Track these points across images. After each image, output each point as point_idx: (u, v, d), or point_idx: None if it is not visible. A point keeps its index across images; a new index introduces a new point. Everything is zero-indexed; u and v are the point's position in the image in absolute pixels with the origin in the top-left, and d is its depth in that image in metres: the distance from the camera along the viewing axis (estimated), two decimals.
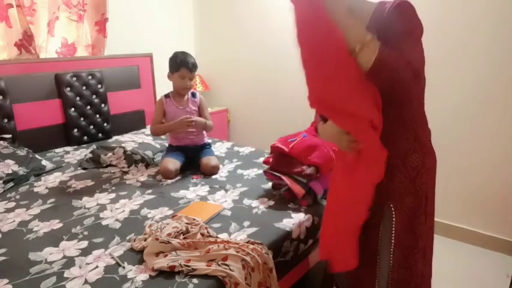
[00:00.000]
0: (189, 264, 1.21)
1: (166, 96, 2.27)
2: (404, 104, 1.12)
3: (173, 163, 2.12)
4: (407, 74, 1.00)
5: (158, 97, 2.94)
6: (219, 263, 1.21)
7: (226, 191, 1.89)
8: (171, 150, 2.26)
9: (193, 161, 2.23)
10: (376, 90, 1.05)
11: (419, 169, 1.13)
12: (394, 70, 0.98)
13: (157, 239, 1.29)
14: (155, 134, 2.31)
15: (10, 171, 1.99)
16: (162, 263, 1.21)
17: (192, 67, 2.15)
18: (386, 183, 1.14)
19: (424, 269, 1.24)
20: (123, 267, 1.24)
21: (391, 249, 1.18)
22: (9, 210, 1.70)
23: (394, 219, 1.15)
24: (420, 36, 1.08)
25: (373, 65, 0.95)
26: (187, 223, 1.44)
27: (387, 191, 1.15)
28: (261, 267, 1.26)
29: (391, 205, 1.15)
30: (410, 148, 1.13)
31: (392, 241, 1.17)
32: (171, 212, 1.66)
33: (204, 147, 2.31)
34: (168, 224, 1.43)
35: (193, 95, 2.30)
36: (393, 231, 1.16)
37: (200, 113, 2.31)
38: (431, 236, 1.25)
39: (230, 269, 1.18)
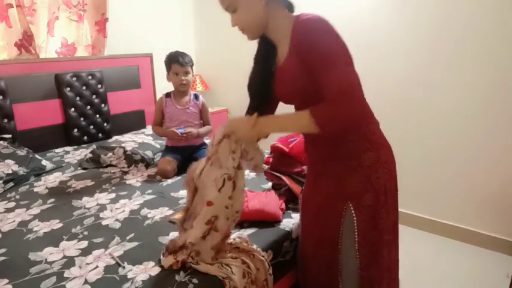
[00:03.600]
0: (196, 258, 1.20)
1: (167, 95, 2.27)
2: None
3: (170, 162, 2.13)
4: (354, 107, 1.03)
5: (158, 97, 2.94)
6: (223, 264, 1.21)
7: None
8: (167, 150, 2.26)
9: (190, 161, 2.23)
10: None
11: (373, 165, 1.15)
12: (343, 122, 1.04)
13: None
14: (155, 134, 2.36)
15: (10, 171, 1.99)
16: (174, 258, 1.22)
17: (182, 62, 2.15)
18: (345, 184, 1.18)
19: (390, 263, 1.26)
20: (123, 267, 1.24)
21: (356, 248, 1.19)
22: (9, 210, 1.70)
23: (355, 218, 1.17)
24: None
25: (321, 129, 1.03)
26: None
27: (346, 191, 1.18)
28: (260, 284, 1.26)
29: (350, 205, 1.17)
30: (362, 148, 1.15)
31: (356, 239, 1.19)
32: (171, 212, 1.66)
33: (201, 147, 2.31)
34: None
35: (196, 97, 2.30)
36: (356, 230, 1.18)
37: (201, 116, 2.31)
38: (396, 230, 1.27)
39: (232, 272, 1.18)
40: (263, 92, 1.27)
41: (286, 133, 1.03)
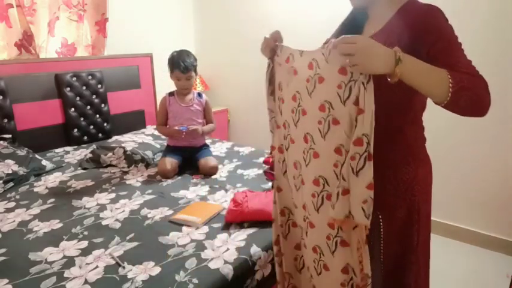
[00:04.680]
0: None
1: (171, 94, 2.28)
2: (404, 114, 1.07)
3: (170, 162, 2.13)
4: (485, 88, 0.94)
5: (158, 97, 2.95)
6: None
7: (226, 191, 1.89)
8: (169, 150, 2.26)
9: (190, 161, 2.23)
10: None
11: (410, 181, 1.09)
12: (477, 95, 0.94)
13: None
14: (160, 134, 2.38)
15: (10, 171, 1.98)
16: None
17: (183, 69, 2.11)
18: (376, 193, 1.08)
19: (417, 284, 1.19)
20: (123, 267, 1.24)
21: (381, 258, 1.15)
22: (9, 210, 1.70)
23: (382, 229, 1.13)
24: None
25: (450, 99, 0.91)
26: None
27: (377, 201, 1.09)
28: None
29: (380, 216, 1.12)
30: (403, 160, 1.09)
31: (382, 250, 1.14)
32: (171, 212, 1.66)
33: (202, 148, 2.31)
34: None
35: (200, 95, 2.31)
36: (381, 241, 1.13)
37: (204, 114, 2.32)
38: (427, 251, 1.21)
39: None
40: None
41: (417, 84, 0.89)
